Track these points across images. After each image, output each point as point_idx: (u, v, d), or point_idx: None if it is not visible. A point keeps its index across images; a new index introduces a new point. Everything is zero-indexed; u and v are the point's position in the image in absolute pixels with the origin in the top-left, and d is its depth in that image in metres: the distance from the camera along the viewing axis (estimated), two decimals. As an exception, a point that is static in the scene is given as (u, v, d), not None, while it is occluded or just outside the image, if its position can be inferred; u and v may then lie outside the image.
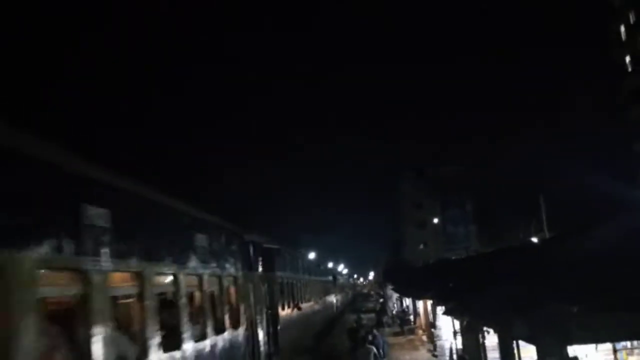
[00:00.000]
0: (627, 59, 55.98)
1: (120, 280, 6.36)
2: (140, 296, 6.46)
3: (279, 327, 15.52)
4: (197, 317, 8.54)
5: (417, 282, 28.78)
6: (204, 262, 8.97)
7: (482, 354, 13.10)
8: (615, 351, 9.76)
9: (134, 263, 6.32)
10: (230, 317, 10.36)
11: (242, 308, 11.39)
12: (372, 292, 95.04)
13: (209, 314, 9.00)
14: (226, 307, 10.15)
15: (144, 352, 6.31)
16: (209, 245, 9.39)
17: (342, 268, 71.92)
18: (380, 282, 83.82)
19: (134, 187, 7.24)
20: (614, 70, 57.83)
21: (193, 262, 8.43)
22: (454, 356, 16.35)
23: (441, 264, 34.75)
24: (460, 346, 15.15)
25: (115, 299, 6.12)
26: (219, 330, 9.41)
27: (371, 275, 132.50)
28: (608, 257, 8.09)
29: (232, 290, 10.99)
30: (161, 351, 6.65)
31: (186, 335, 7.62)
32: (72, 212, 5.20)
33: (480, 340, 13.11)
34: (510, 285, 8.87)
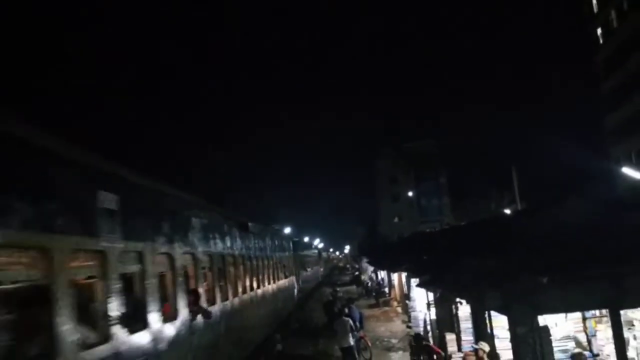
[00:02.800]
0: (599, 31, 56.38)
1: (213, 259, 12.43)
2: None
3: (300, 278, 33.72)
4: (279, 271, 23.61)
5: (391, 255, 29.04)
6: (282, 251, 25.02)
7: (456, 325, 13.32)
8: (584, 320, 9.97)
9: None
10: (289, 272, 27.37)
11: (292, 269, 29.19)
12: (347, 266, 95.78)
13: (283, 270, 24.88)
14: (287, 268, 26.50)
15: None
16: (280, 243, 24.81)
17: (317, 242, 73.33)
18: (355, 256, 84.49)
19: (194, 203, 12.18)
20: (587, 43, 58.33)
21: (278, 253, 23.60)
22: (428, 327, 16.59)
23: (415, 237, 35.06)
24: (434, 317, 15.37)
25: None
26: (286, 276, 25.85)
27: (347, 249, 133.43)
28: (577, 229, 8.21)
29: (288, 262, 27.48)
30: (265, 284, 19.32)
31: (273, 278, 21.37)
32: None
33: (454, 311, 13.31)
34: (482, 257, 8.97)
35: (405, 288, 24.38)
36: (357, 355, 17.19)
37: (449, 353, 13.34)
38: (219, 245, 12.80)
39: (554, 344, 8.54)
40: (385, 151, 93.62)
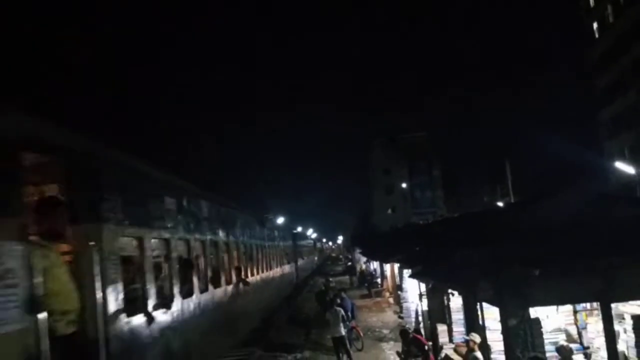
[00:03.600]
0: (595, 25, 56.36)
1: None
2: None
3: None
4: (284, 257, 29.56)
5: (384, 246, 29.11)
6: (285, 241, 30.79)
7: (447, 316, 13.38)
8: (575, 312, 10.03)
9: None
10: (291, 259, 33.10)
11: (293, 256, 34.81)
12: (340, 256, 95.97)
13: (286, 257, 30.63)
14: (289, 255, 32.27)
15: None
16: (284, 235, 30.78)
17: (311, 232, 73.77)
18: (348, 247, 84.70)
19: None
20: (583, 38, 58.31)
21: (282, 243, 29.24)
22: (420, 318, 16.66)
23: (408, 228, 35.16)
24: (425, 308, 15.42)
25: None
26: (288, 262, 31.26)
27: (340, 239, 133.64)
28: (569, 222, 8.26)
29: (290, 250, 33.29)
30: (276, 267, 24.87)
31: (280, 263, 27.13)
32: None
33: (446, 302, 13.37)
34: (474, 249, 9.00)
35: (397, 279, 24.46)
36: (348, 345, 17.25)
37: (440, 344, 13.41)
38: (248, 236, 17.87)
39: (544, 336, 8.61)
40: (379, 142, 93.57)
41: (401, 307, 22.77)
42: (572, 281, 7.58)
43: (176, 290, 9.26)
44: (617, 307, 8.45)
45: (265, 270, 20.96)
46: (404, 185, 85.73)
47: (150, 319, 7.88)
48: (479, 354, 9.91)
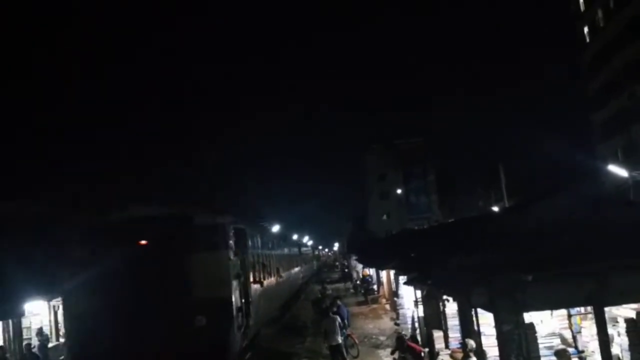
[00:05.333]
0: (586, 29, 56.70)
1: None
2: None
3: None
4: (297, 262, 43.13)
5: (379, 253, 29.10)
6: (296, 250, 44.88)
7: (443, 322, 13.38)
8: (569, 316, 10.06)
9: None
10: (299, 263, 43.98)
11: (300, 262, 45.54)
12: (337, 263, 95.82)
13: (296, 261, 41.50)
14: (299, 262, 44.55)
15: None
16: (295, 245, 46.11)
17: (306, 239, 73.92)
18: (344, 253, 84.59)
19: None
20: (575, 41, 58.61)
21: (294, 250, 43.45)
22: (416, 324, 16.64)
23: (403, 234, 35.15)
24: (421, 314, 15.42)
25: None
26: (297, 265, 41.68)
27: (336, 246, 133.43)
28: (563, 226, 8.27)
29: (298, 257, 44.37)
30: (296, 268, 40.25)
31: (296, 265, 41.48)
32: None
33: (441, 308, 13.37)
34: (468, 254, 9.01)
35: (393, 285, 24.46)
36: (345, 353, 17.22)
37: (436, 350, 13.40)
38: (280, 249, 30.13)
39: (539, 341, 8.60)
40: (374, 148, 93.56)
41: (397, 314, 22.75)
42: (565, 285, 7.59)
43: (259, 277, 19.10)
44: (610, 311, 8.46)
45: (287, 269, 32.09)
46: (399, 191, 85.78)
47: (245, 289, 15.87)
48: (474, 360, 9.91)
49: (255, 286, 17.78)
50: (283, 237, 35.82)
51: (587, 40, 56.63)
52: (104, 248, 13.14)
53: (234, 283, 14.31)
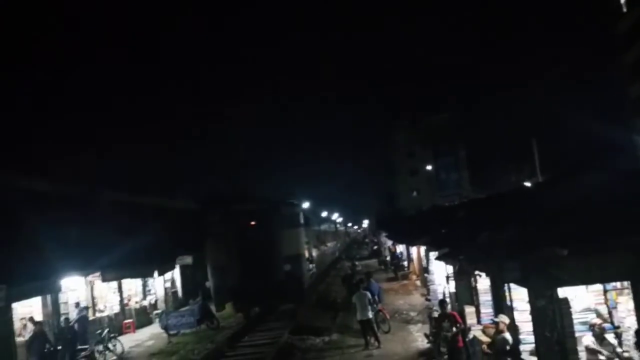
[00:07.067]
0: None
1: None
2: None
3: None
4: (334, 237, 63.62)
5: (410, 229, 29.04)
6: (335, 227, 73.02)
7: (475, 298, 13.32)
8: (605, 292, 9.88)
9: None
10: (338, 239, 69.95)
11: (337, 238, 67.71)
12: (366, 240, 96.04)
13: (335, 238, 63.40)
14: (336, 237, 67.09)
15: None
16: (335, 224, 74.58)
17: (336, 217, 76.32)
18: (374, 230, 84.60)
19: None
20: (610, 12, 56.88)
21: (334, 227, 72.64)
22: (447, 300, 16.56)
23: (434, 211, 35.00)
24: (453, 290, 15.35)
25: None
26: (334, 240, 62.18)
27: (365, 223, 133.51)
28: (597, 200, 8.13)
29: (336, 233, 71.11)
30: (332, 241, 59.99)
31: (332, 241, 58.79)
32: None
33: (473, 284, 13.30)
34: (501, 229, 8.93)
35: (424, 261, 24.39)
36: (376, 328, 17.32)
37: (468, 326, 13.34)
38: (328, 226, 59.12)
39: (574, 316, 8.50)
40: (403, 124, 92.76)
41: (428, 290, 22.69)
42: (600, 260, 7.47)
43: (318, 244, 35.17)
44: (647, 286, 8.31)
45: (330, 241, 46.03)
46: (429, 167, 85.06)
47: (310, 251, 28.93)
48: (507, 335, 9.86)
49: (314, 249, 32.52)
50: (327, 218, 59.67)
51: (624, 10, 54.93)
52: (233, 225, 22.18)
53: (305, 246, 25.12)
